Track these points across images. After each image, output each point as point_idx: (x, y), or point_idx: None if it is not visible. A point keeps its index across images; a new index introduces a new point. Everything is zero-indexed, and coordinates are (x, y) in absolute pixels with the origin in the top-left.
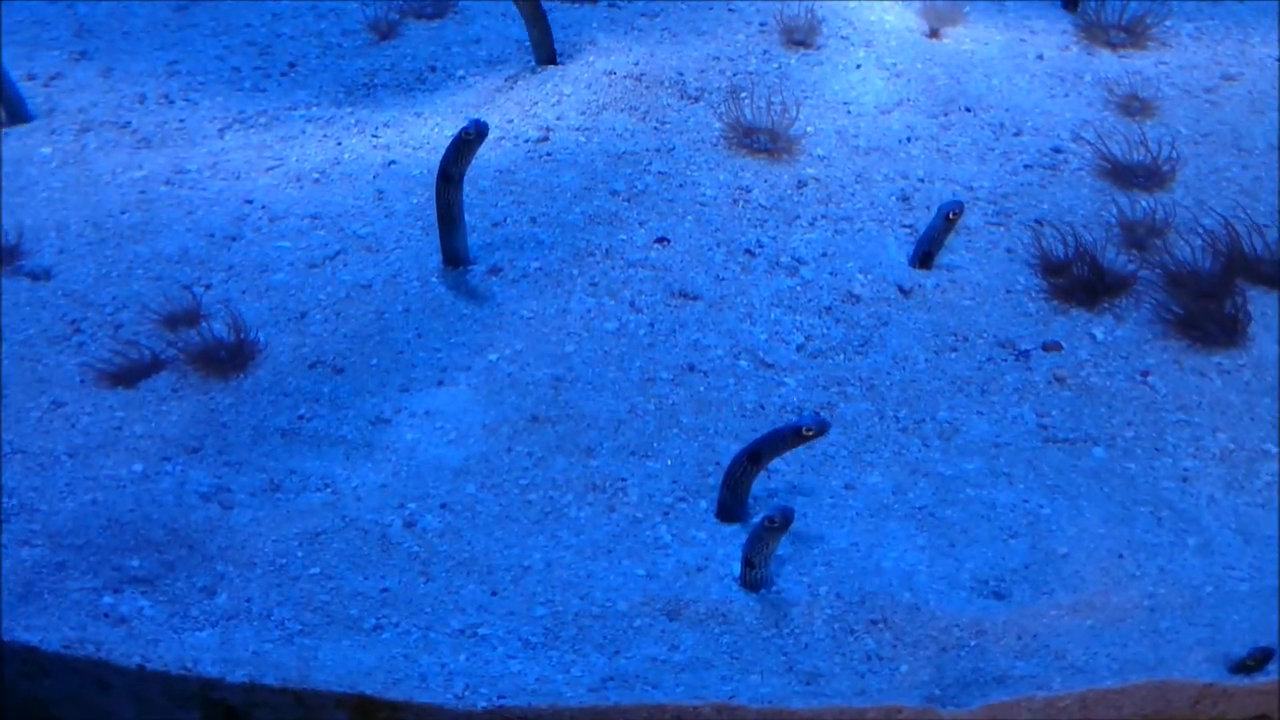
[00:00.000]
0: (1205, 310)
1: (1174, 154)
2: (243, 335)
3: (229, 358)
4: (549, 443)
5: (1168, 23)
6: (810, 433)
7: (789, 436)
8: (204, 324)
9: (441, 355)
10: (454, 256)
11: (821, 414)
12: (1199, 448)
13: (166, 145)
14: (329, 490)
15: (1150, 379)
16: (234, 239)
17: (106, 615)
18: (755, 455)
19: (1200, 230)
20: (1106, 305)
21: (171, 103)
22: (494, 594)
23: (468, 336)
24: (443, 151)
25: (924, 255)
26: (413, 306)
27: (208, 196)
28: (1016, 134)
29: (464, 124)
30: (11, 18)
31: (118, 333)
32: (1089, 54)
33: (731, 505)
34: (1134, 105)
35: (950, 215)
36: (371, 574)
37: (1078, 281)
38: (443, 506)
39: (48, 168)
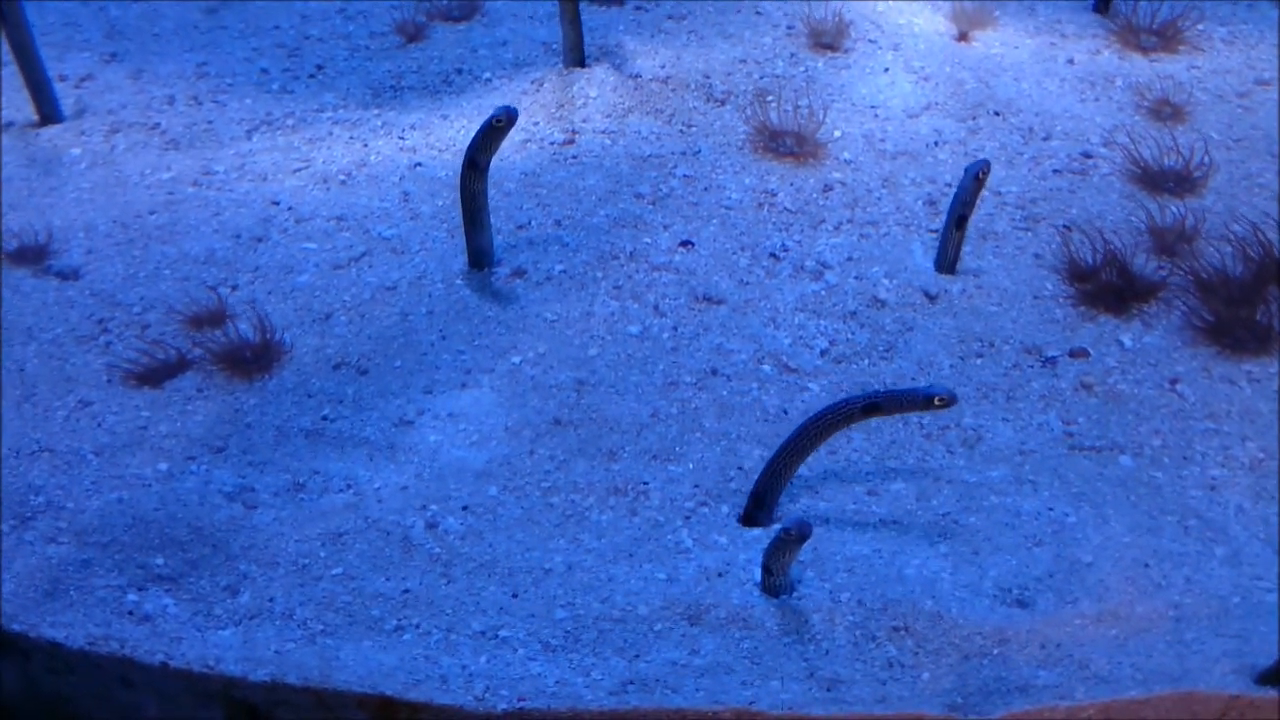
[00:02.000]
0: (1236, 317)
1: (1206, 159)
2: (268, 336)
3: (254, 358)
4: (571, 446)
5: (1200, 26)
6: (940, 402)
7: (917, 400)
8: (229, 324)
9: (465, 357)
10: (478, 255)
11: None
12: (1227, 456)
13: (195, 146)
14: (352, 491)
15: (1179, 387)
16: (260, 240)
17: (131, 613)
18: (873, 406)
19: (1231, 236)
20: (1135, 312)
21: (200, 104)
22: (515, 596)
23: (491, 339)
24: None
25: (959, 219)
26: (437, 308)
27: (235, 198)
28: (1046, 138)
29: (494, 111)
30: (44, 19)
31: (144, 333)
32: (1120, 58)
33: (767, 494)
34: (1165, 110)
35: (980, 175)
36: (393, 575)
37: (1106, 287)
38: (465, 508)
39: (77, 168)
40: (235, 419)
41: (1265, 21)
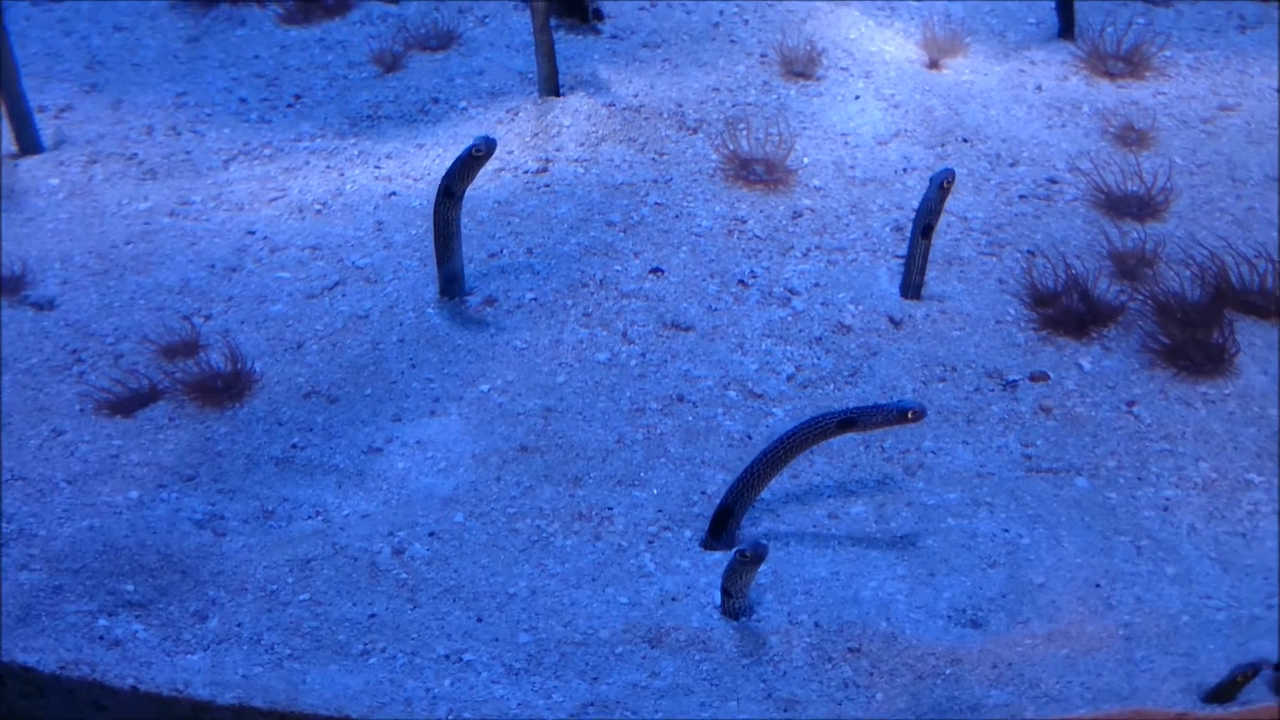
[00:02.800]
0: (1192, 340)
1: (1168, 185)
2: (239, 366)
3: (225, 387)
4: (537, 472)
5: (1167, 52)
6: (914, 416)
7: (891, 416)
8: (202, 354)
9: (434, 385)
10: (450, 283)
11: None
12: (1181, 477)
13: (172, 177)
14: (320, 518)
15: (1136, 409)
16: (235, 270)
17: (101, 638)
18: (849, 421)
19: (1191, 261)
20: (1095, 335)
21: (179, 134)
22: (479, 620)
23: (461, 367)
24: None
25: (925, 228)
26: (408, 337)
27: (211, 228)
28: (1013, 164)
29: (471, 141)
30: (26, 50)
31: (118, 363)
32: (1088, 84)
33: (731, 512)
34: (1130, 136)
35: (944, 184)
36: (360, 600)
37: (1067, 312)
38: (431, 535)
39: (55, 199)
40: (206, 447)
41: (1231, 48)
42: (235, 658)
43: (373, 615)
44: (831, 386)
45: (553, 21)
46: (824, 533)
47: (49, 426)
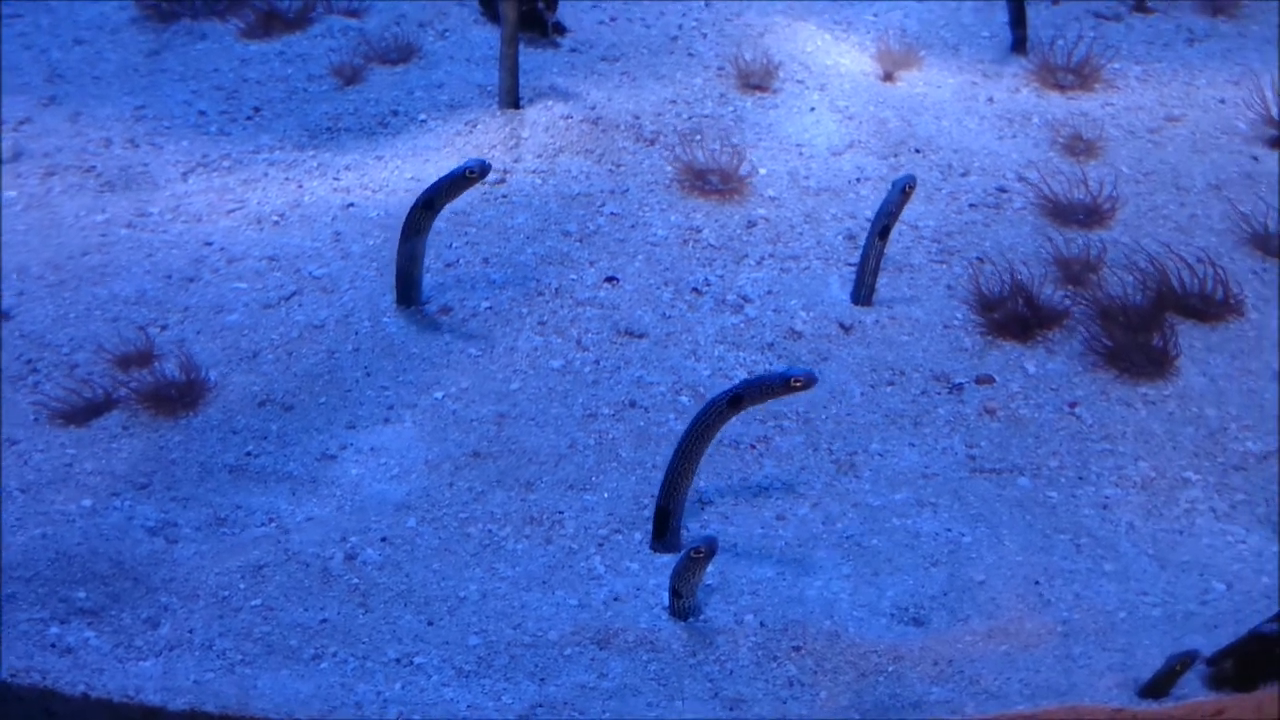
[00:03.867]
0: (1134, 343)
1: (1114, 193)
2: (193, 375)
3: (179, 396)
4: (490, 477)
5: (1116, 65)
6: (798, 384)
7: (776, 386)
8: (157, 364)
9: (389, 393)
10: (407, 292)
11: (811, 370)
12: (1121, 476)
13: (130, 189)
14: (273, 525)
15: (1078, 410)
16: (192, 280)
17: (53, 645)
18: (737, 398)
19: (1134, 266)
20: (1040, 339)
21: (137, 147)
22: (430, 624)
23: (415, 375)
24: (402, 195)
25: (883, 229)
26: (363, 346)
27: (168, 239)
28: (964, 174)
29: (467, 161)
30: None
31: (73, 373)
32: (1039, 96)
33: (669, 512)
34: (1079, 146)
35: (906, 189)
36: (311, 605)
37: (1013, 317)
38: (383, 540)
39: (12, 211)
40: (159, 456)
41: (1179, 61)
42: (187, 664)
43: (324, 620)
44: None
45: None
46: (771, 534)
47: (3, 436)
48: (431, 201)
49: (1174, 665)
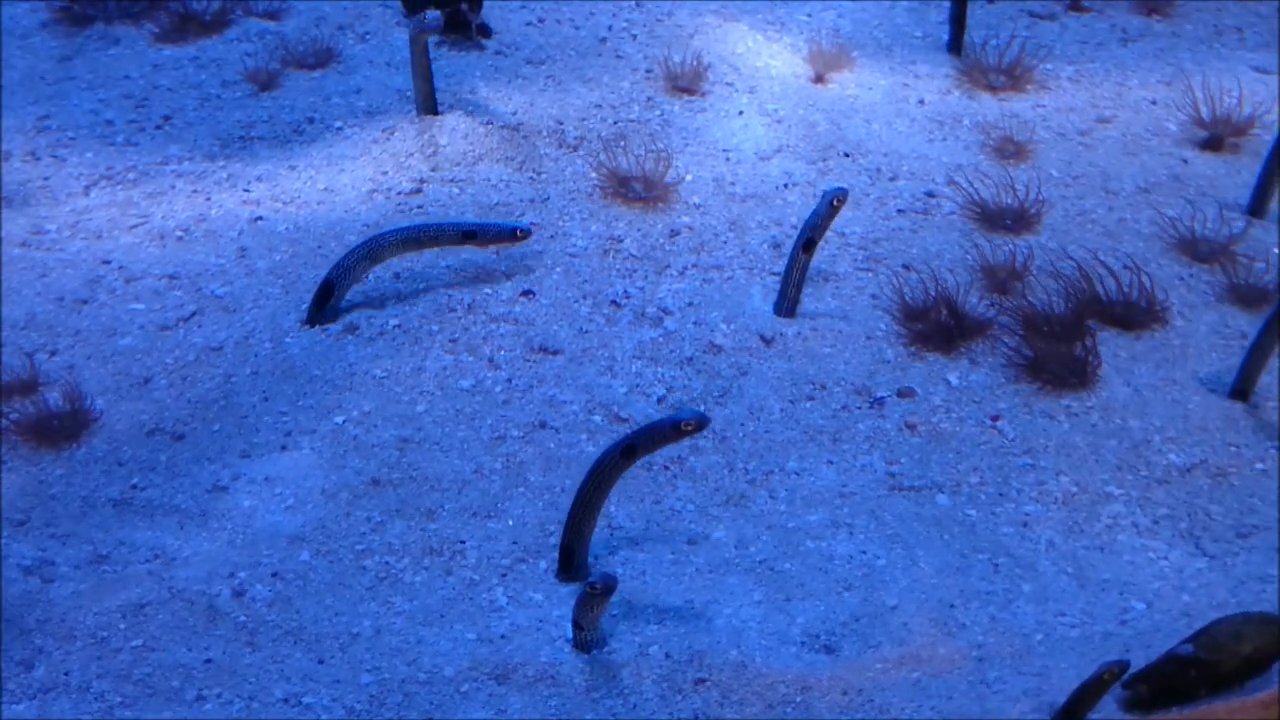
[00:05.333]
0: (1056, 353)
1: (1042, 197)
2: (77, 404)
3: (62, 427)
4: (389, 506)
5: (1048, 65)
6: (689, 428)
7: (667, 433)
8: (41, 392)
9: (287, 419)
10: (320, 315)
11: (702, 410)
12: (1042, 492)
13: (28, 205)
14: (158, 561)
15: (1000, 423)
16: (86, 302)
17: None
18: (630, 448)
19: (1059, 274)
20: (963, 350)
21: (38, 159)
22: (321, 662)
23: (316, 399)
24: (314, 207)
25: (807, 242)
26: (262, 369)
27: (64, 258)
28: (892, 179)
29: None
30: None
31: None
32: (970, 98)
33: (574, 554)
34: (1009, 149)
35: (835, 202)
36: (196, 645)
37: (936, 327)
38: (274, 575)
39: None
40: (39, 490)
41: (1112, 61)
42: (63, 706)
43: (209, 660)
44: (701, 408)
45: (436, 39)
46: (682, 560)
47: None
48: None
49: (1102, 675)
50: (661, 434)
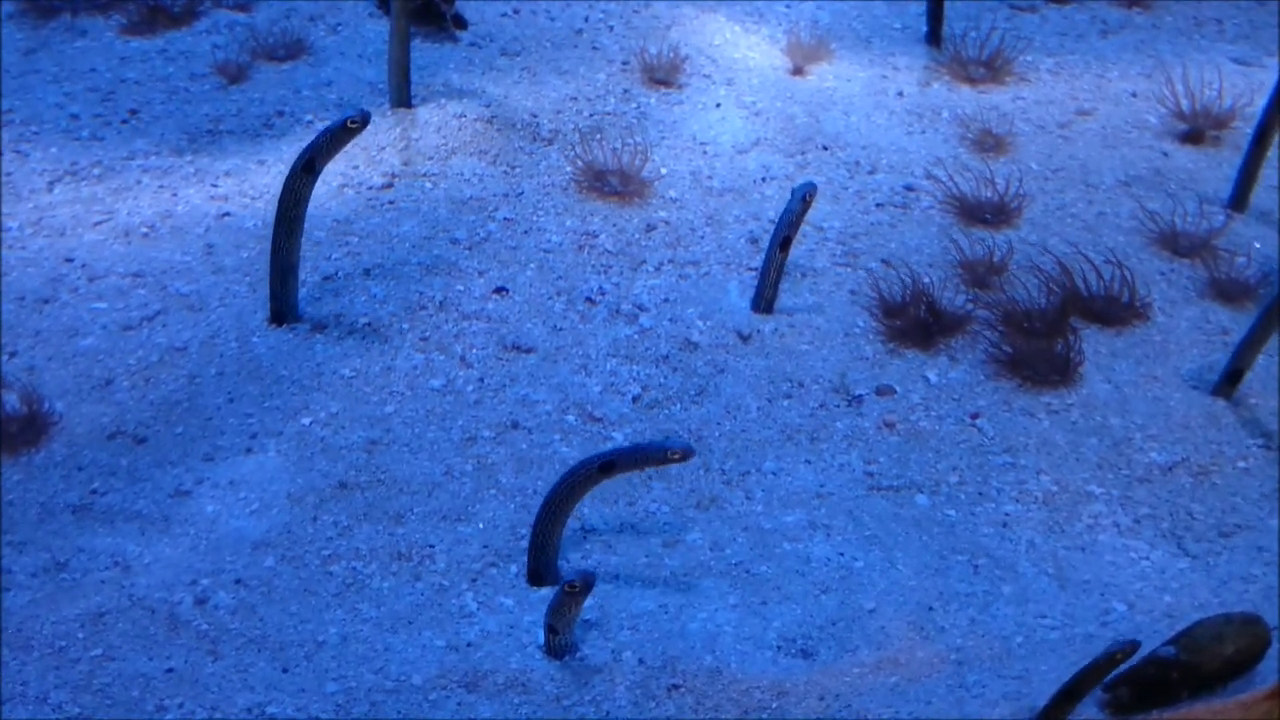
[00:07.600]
0: (1036, 350)
1: (1022, 191)
2: (35, 406)
3: (20, 431)
4: (357, 510)
5: (1028, 57)
6: (675, 456)
7: (653, 456)
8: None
9: (253, 420)
10: (283, 297)
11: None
12: (1022, 491)
13: None
14: (118, 568)
15: (979, 421)
16: (47, 301)
17: None
18: (609, 464)
19: (1039, 269)
20: (942, 346)
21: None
22: (285, 671)
23: (283, 399)
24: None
25: (784, 240)
26: (228, 369)
27: (25, 256)
28: (871, 172)
29: (346, 111)
30: None
31: None
32: (949, 90)
33: (541, 560)
34: (988, 142)
35: (806, 197)
36: (157, 654)
37: (915, 323)
38: (237, 582)
39: None
40: None
41: (1091, 53)
42: (20, 716)
43: (170, 670)
44: (677, 406)
45: (411, 30)
46: (657, 563)
47: None
48: (312, 162)
49: (1114, 654)
50: (645, 457)
